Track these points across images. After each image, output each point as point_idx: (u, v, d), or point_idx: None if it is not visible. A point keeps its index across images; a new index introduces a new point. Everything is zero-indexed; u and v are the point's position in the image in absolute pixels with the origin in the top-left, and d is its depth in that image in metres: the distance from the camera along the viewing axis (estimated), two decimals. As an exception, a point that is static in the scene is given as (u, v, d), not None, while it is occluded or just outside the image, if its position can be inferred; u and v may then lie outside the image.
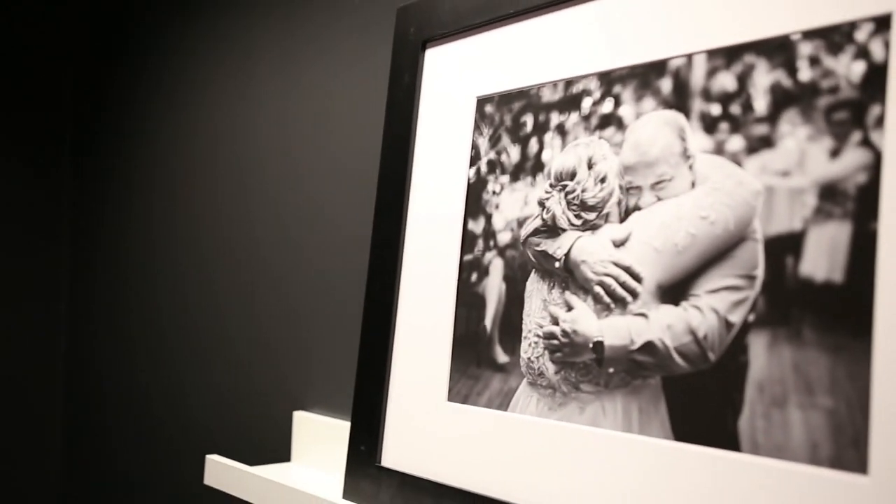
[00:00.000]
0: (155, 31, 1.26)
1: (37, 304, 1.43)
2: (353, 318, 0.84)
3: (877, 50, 0.43)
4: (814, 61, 0.46)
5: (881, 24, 0.43)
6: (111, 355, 1.31)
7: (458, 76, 0.67)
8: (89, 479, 1.36)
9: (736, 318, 0.47)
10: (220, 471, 0.78)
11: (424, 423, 0.65)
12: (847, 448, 0.42)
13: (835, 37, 0.45)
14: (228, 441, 1.02)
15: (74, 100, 1.47)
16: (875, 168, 0.43)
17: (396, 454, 0.67)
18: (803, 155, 0.46)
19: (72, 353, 1.44)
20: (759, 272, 0.47)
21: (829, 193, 0.44)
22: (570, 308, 0.56)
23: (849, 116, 0.44)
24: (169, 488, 1.14)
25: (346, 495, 0.68)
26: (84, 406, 1.39)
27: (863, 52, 0.44)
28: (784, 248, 0.46)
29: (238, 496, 0.75)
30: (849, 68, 0.44)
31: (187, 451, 1.10)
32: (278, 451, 0.92)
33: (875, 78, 0.43)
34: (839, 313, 0.43)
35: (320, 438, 0.84)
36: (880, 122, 0.43)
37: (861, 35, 0.44)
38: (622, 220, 0.54)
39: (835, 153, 0.45)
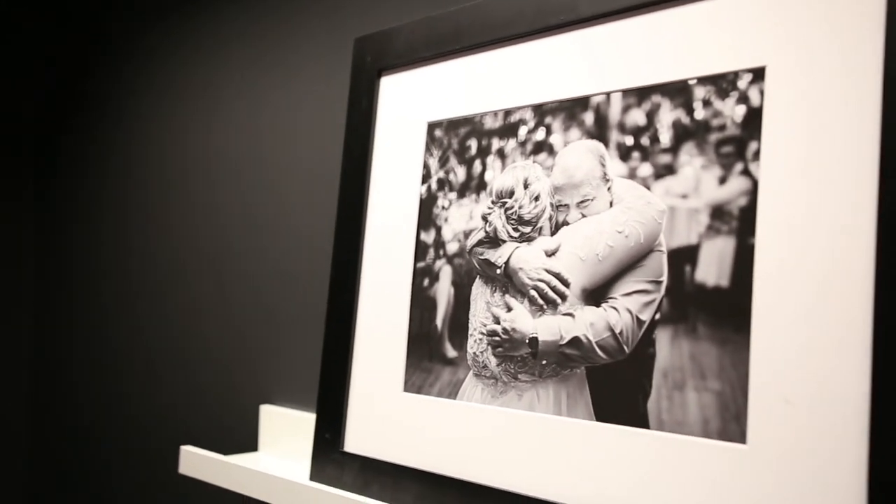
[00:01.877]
0: (123, 52, 1.30)
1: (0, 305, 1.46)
2: (317, 318, 0.92)
3: (754, 96, 0.53)
4: (706, 103, 0.55)
5: (757, 74, 0.53)
6: (82, 354, 1.36)
7: (411, 102, 0.75)
8: (59, 476, 1.41)
9: (646, 316, 0.57)
10: (194, 460, 0.85)
11: (383, 411, 0.73)
12: (731, 422, 0.52)
13: (722, 83, 0.55)
14: (198, 432, 1.08)
15: (37, 114, 1.50)
16: (753, 193, 0.52)
17: (358, 440, 0.75)
18: (698, 181, 0.55)
19: (40, 355, 1.48)
20: (664, 278, 0.56)
21: (718, 213, 0.54)
22: (509, 309, 0.65)
23: (733, 150, 0.54)
24: (142, 479, 1.20)
25: (312, 478, 0.76)
26: (52, 405, 1.43)
27: (743, 98, 0.53)
28: (683, 258, 0.55)
29: (212, 483, 0.82)
30: (733, 110, 0.54)
31: (159, 443, 1.16)
32: (246, 442, 0.99)
33: (753, 119, 0.53)
34: (725, 312, 0.53)
35: (285, 430, 0.91)
36: (757, 155, 0.52)
37: (742, 83, 0.54)
38: (553, 233, 0.63)
39: (722, 180, 0.54)
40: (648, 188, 0.58)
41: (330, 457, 0.76)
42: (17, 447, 1.49)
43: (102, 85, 1.33)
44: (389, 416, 0.72)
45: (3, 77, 1.47)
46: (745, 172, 0.53)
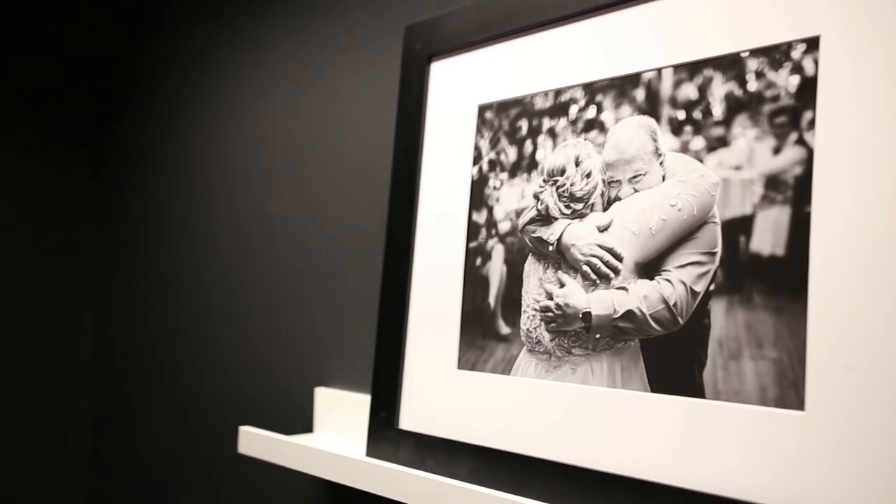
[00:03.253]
0: (175, 38, 1.34)
1: (60, 301, 1.52)
2: (371, 302, 0.94)
3: (808, 66, 0.53)
4: (759, 75, 0.56)
5: (811, 44, 0.53)
6: (136, 350, 1.40)
7: (461, 86, 0.77)
8: (119, 455, 1.45)
9: (700, 287, 0.57)
10: (253, 440, 0.88)
11: (437, 389, 0.74)
12: (788, 390, 0.52)
13: (776, 54, 0.55)
14: (255, 416, 1.11)
15: (95, 102, 1.55)
16: (808, 162, 0.53)
17: (412, 418, 0.76)
18: (752, 152, 0.56)
19: (96, 350, 1.53)
20: (718, 249, 0.56)
21: (773, 183, 0.54)
22: (562, 285, 0.66)
23: (787, 120, 0.54)
24: (202, 458, 1.23)
25: (368, 455, 0.78)
26: (109, 399, 1.48)
27: (797, 68, 0.54)
28: (737, 229, 0.56)
29: (271, 461, 0.85)
30: (787, 80, 0.54)
31: (217, 426, 1.19)
32: (302, 424, 1.02)
33: (807, 89, 0.53)
34: (781, 281, 0.53)
35: (340, 411, 0.93)
36: (812, 124, 0.53)
37: (796, 53, 0.54)
38: (605, 209, 0.64)
39: (777, 150, 0.54)
40: (701, 161, 0.58)
41: (385, 434, 0.78)
42: (79, 426, 1.54)
43: (156, 71, 1.37)
44: (443, 393, 0.74)
45: (59, 63, 1.52)
46: (800, 142, 0.53)
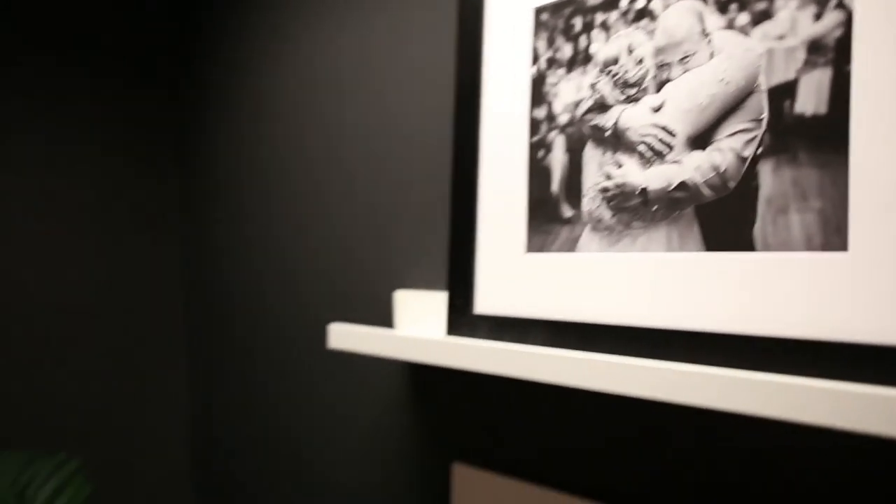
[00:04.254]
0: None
1: (159, 219, 1.64)
2: (441, 210, 1.01)
3: (846, -67, 0.57)
4: (799, -53, 0.59)
5: (848, -88, 0.57)
6: (232, 259, 1.51)
7: (517, -9, 0.82)
8: (217, 355, 1.58)
9: (748, 152, 0.62)
10: (342, 335, 0.97)
11: (508, 273, 0.81)
12: (832, 235, 0.57)
13: (814, -74, 0.58)
14: (341, 318, 1.21)
15: (171, 31, 1.65)
16: (847, 24, 0.57)
17: (487, 302, 0.84)
18: (794, 21, 0.60)
19: (196, 261, 1.65)
20: (765, 115, 0.61)
21: (815, 48, 0.58)
22: (620, 166, 0.71)
23: (827, -13, 0.58)
24: (292, 357, 1.34)
25: (449, 333, 0.85)
26: (208, 304, 1.60)
27: (835, -64, 0.57)
28: (782, 94, 0.60)
29: (361, 351, 0.94)
30: (826, -51, 0.58)
31: (305, 328, 1.30)
32: (384, 324, 1.11)
33: (845, -45, 0.57)
34: (825, 137, 0.58)
35: (418, 310, 1.01)
36: (850, -12, 0.56)
37: (833, -78, 0.57)
38: (657, 90, 0.69)
39: (818, 16, 0.58)
40: (747, 35, 0.62)
41: (462, 320, 0.86)
42: (176, 331, 1.67)
43: (236, 9, 1.45)
44: (514, 277, 0.81)
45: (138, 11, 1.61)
46: (840, 5, 0.57)
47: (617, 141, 0.72)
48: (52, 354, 1.52)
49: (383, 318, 1.11)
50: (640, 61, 0.70)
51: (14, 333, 1.48)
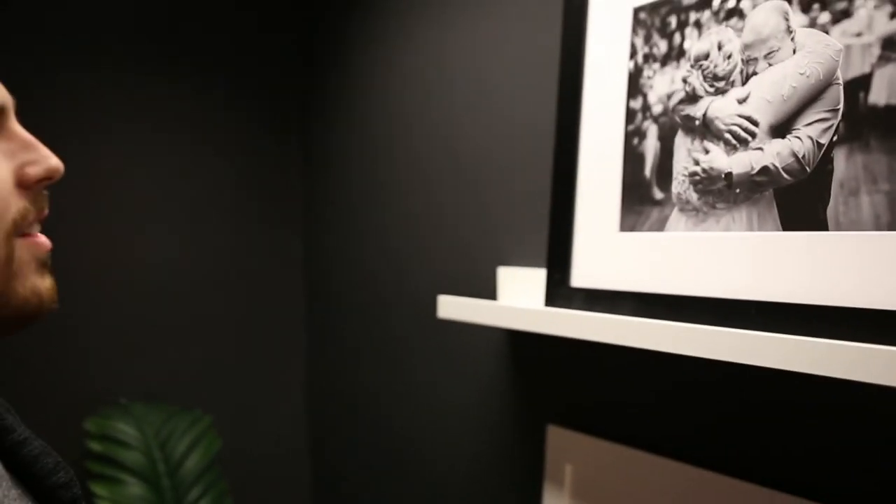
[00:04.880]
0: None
1: (278, 199, 1.81)
2: (542, 192, 1.10)
3: (921, -62, 0.62)
4: (878, -49, 0.65)
5: (924, -81, 0.62)
6: (345, 242, 1.66)
7: (618, -7, 0.90)
8: (330, 337, 1.74)
9: (825, 140, 0.68)
10: (450, 305, 1.08)
11: (602, 250, 0.90)
12: (899, 215, 0.62)
13: (892, -68, 0.64)
14: (447, 293, 1.32)
15: (304, 34, 1.81)
16: (920, 22, 0.62)
17: (582, 276, 0.92)
18: (871, 19, 0.65)
19: (313, 252, 1.82)
20: (841, 106, 0.67)
21: (889, 44, 0.64)
22: (707, 152, 0.78)
23: (902, -12, 0.63)
24: (398, 330, 1.47)
25: (547, 304, 0.95)
26: (321, 280, 1.76)
27: (911, -59, 0.62)
28: (857, 86, 0.66)
29: (467, 321, 1.04)
30: (902, -47, 0.63)
31: (412, 302, 1.42)
32: (487, 297, 1.21)
33: (920, -42, 0.62)
34: (895, 126, 0.63)
35: (519, 285, 1.11)
36: (923, -11, 0.62)
37: (910, -72, 0.62)
38: (744, 83, 0.75)
39: (893, 15, 0.64)
40: (827, 33, 0.68)
41: (559, 293, 0.95)
42: (296, 308, 1.84)
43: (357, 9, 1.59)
44: (608, 253, 0.89)
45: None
46: (913, 5, 0.62)
47: (705, 129, 0.79)
48: (192, 325, 1.72)
49: (486, 294, 1.21)
50: (729, 56, 0.77)
51: (164, 308, 1.68)
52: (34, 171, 0.57)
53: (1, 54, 1.48)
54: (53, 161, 0.58)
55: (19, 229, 0.56)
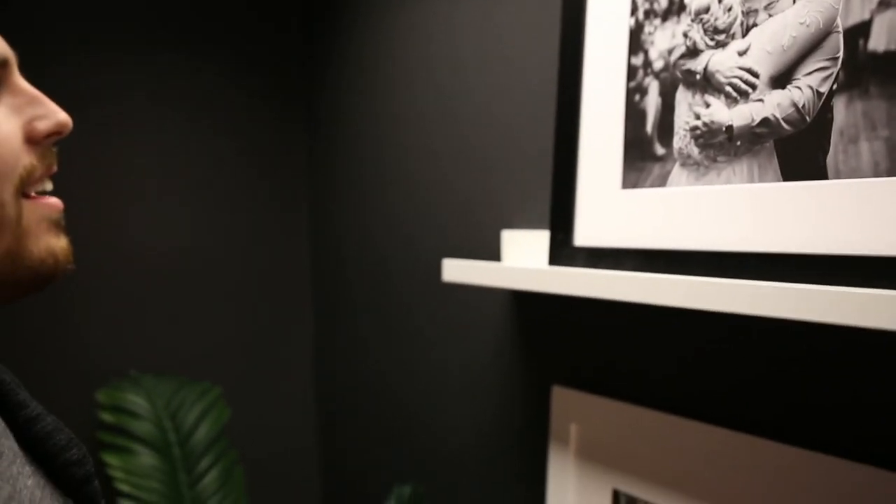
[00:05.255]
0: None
1: (282, 167, 1.82)
2: (544, 155, 1.10)
3: None
4: None
5: None
6: (349, 209, 1.67)
7: (618, -50, 0.89)
8: (335, 304, 1.76)
9: (824, 88, 0.68)
10: (455, 268, 1.09)
11: (605, 208, 0.90)
12: (898, 161, 0.63)
13: None
14: (452, 256, 1.33)
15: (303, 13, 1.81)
16: (919, -34, 0.62)
17: (585, 235, 0.93)
18: (870, -35, 0.65)
19: (318, 222, 1.83)
20: (840, 54, 0.67)
21: (888, -10, 0.64)
22: (708, 106, 0.79)
23: (902, -68, 0.63)
24: (408, 291, 1.48)
25: (550, 264, 0.96)
26: (324, 249, 1.77)
27: None
28: (857, 33, 0.66)
29: (472, 283, 1.05)
30: None
31: (417, 266, 1.43)
32: (491, 259, 1.22)
33: None
34: (894, 72, 0.63)
35: (523, 247, 1.11)
36: (923, -68, 0.61)
37: None
38: (744, 35, 0.75)
39: (892, -40, 0.64)
40: (827, -19, 0.68)
41: (563, 252, 0.95)
42: (302, 278, 1.86)
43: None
44: (610, 211, 0.89)
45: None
46: (912, -51, 0.62)
47: (706, 83, 0.79)
48: (202, 298, 1.73)
49: (490, 258, 1.22)
50: (730, 9, 0.77)
51: (173, 282, 1.69)
52: (43, 125, 0.56)
53: (4, 29, 1.48)
54: (62, 115, 0.57)
55: (26, 186, 0.55)
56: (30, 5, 1.50)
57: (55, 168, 0.59)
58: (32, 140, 0.56)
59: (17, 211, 0.54)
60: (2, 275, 0.54)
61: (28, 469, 0.56)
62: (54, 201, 0.58)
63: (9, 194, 0.54)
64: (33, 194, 0.57)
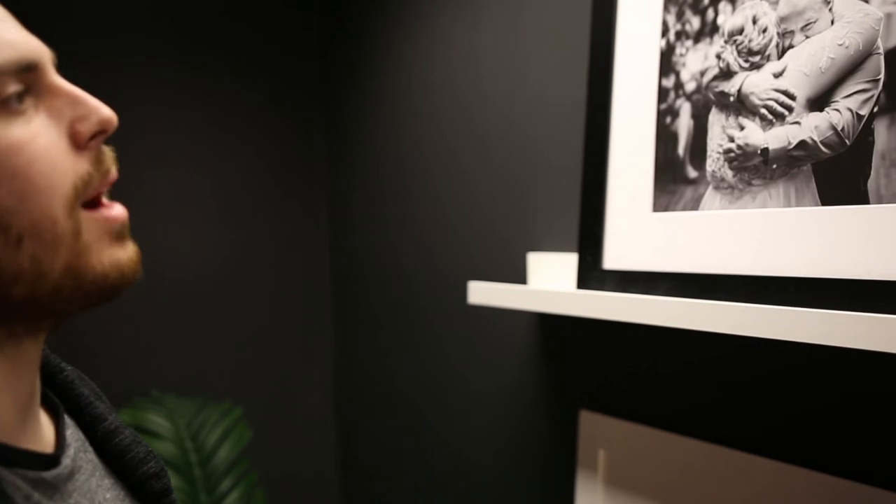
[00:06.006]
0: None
1: (302, 180, 1.82)
2: (572, 177, 1.09)
3: None
4: (919, -84, 0.63)
5: None
6: (372, 229, 1.66)
7: (648, -29, 0.89)
8: (357, 324, 1.75)
9: (865, 111, 0.67)
10: (481, 290, 1.07)
11: (635, 231, 0.89)
12: (944, 185, 0.61)
13: None
14: (477, 278, 1.32)
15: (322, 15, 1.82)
16: (964, -13, 0.60)
17: (615, 258, 0.91)
18: (912, -14, 0.64)
19: (339, 240, 1.82)
20: (881, 76, 0.66)
21: (932, 11, 0.62)
22: (742, 128, 0.77)
23: (945, -47, 0.62)
24: (434, 312, 1.47)
25: (579, 287, 0.94)
26: (350, 271, 1.77)
27: None
28: (899, 55, 0.64)
29: (498, 305, 1.04)
30: (945, -83, 0.62)
31: (442, 288, 1.42)
32: (517, 282, 1.21)
33: (963, -79, 0.60)
34: (938, 94, 0.62)
35: (550, 270, 1.10)
36: (967, -47, 0.60)
37: None
38: (780, 57, 0.74)
39: (935, -19, 0.62)
40: (867, 1, 0.67)
41: (591, 275, 0.94)
42: (324, 298, 1.85)
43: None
44: (641, 234, 0.88)
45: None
46: (956, -30, 0.61)
47: (740, 105, 0.78)
48: (223, 318, 1.73)
49: (516, 281, 1.21)
50: (765, 30, 0.76)
51: (194, 302, 1.69)
52: (85, 127, 0.50)
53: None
54: (104, 112, 0.51)
55: (83, 197, 0.50)
56: (57, 14, 1.52)
57: (114, 174, 0.53)
58: (79, 144, 0.50)
59: (73, 226, 0.49)
60: (67, 290, 0.50)
61: (107, 482, 0.56)
62: (116, 213, 0.53)
63: (60, 209, 0.48)
64: (104, 201, 0.52)
